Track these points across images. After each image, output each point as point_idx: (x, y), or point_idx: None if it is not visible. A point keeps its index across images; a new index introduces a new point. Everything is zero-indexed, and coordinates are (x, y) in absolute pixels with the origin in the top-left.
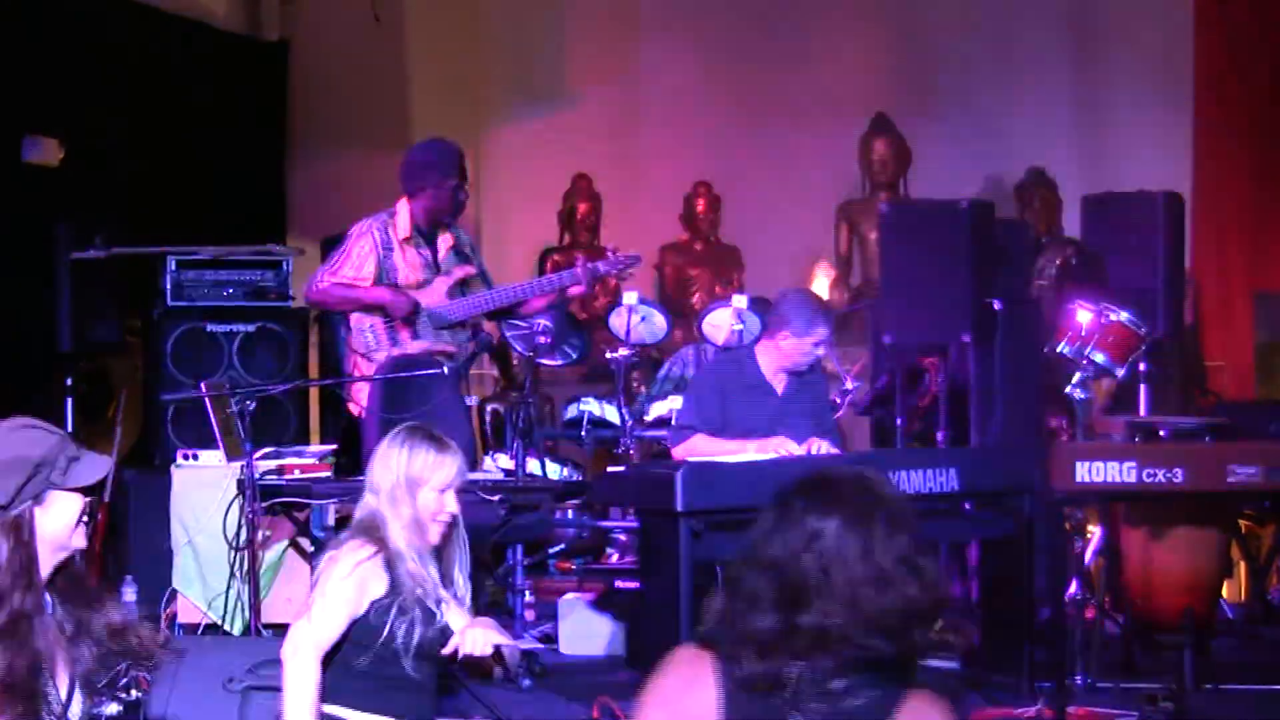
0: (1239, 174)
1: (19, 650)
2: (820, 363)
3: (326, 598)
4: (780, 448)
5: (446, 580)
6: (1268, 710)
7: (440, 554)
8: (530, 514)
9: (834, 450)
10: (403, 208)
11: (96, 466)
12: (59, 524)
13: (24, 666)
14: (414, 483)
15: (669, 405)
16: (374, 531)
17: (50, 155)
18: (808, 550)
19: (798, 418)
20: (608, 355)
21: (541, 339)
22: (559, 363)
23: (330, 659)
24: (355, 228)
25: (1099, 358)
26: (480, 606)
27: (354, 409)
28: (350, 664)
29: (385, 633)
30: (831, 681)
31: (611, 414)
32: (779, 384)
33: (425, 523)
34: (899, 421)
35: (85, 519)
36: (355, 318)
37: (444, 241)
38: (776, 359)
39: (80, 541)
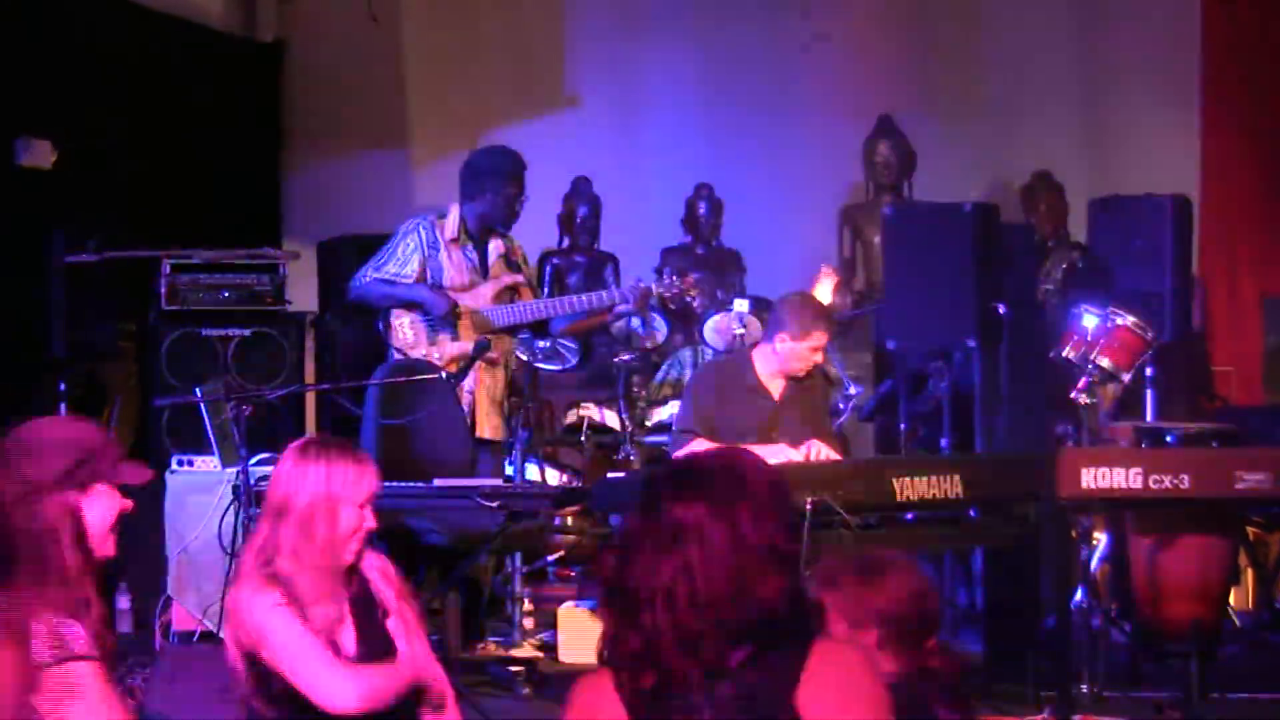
0: (1247, 177)
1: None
2: (821, 368)
3: (296, 650)
4: (780, 454)
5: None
6: (1276, 719)
7: (351, 573)
8: (529, 521)
9: (833, 455)
10: (454, 209)
11: (141, 470)
12: (97, 519)
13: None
14: (335, 500)
15: (669, 410)
16: (270, 565)
17: (43, 158)
18: (674, 548)
19: (795, 423)
20: (608, 360)
21: (540, 346)
22: (558, 368)
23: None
24: (403, 226)
25: (1105, 362)
26: (480, 614)
27: None
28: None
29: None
30: (728, 659)
31: (611, 419)
32: (776, 389)
33: (341, 543)
34: (902, 427)
35: (117, 528)
36: (394, 314)
37: (495, 248)
38: (774, 363)
39: (109, 549)
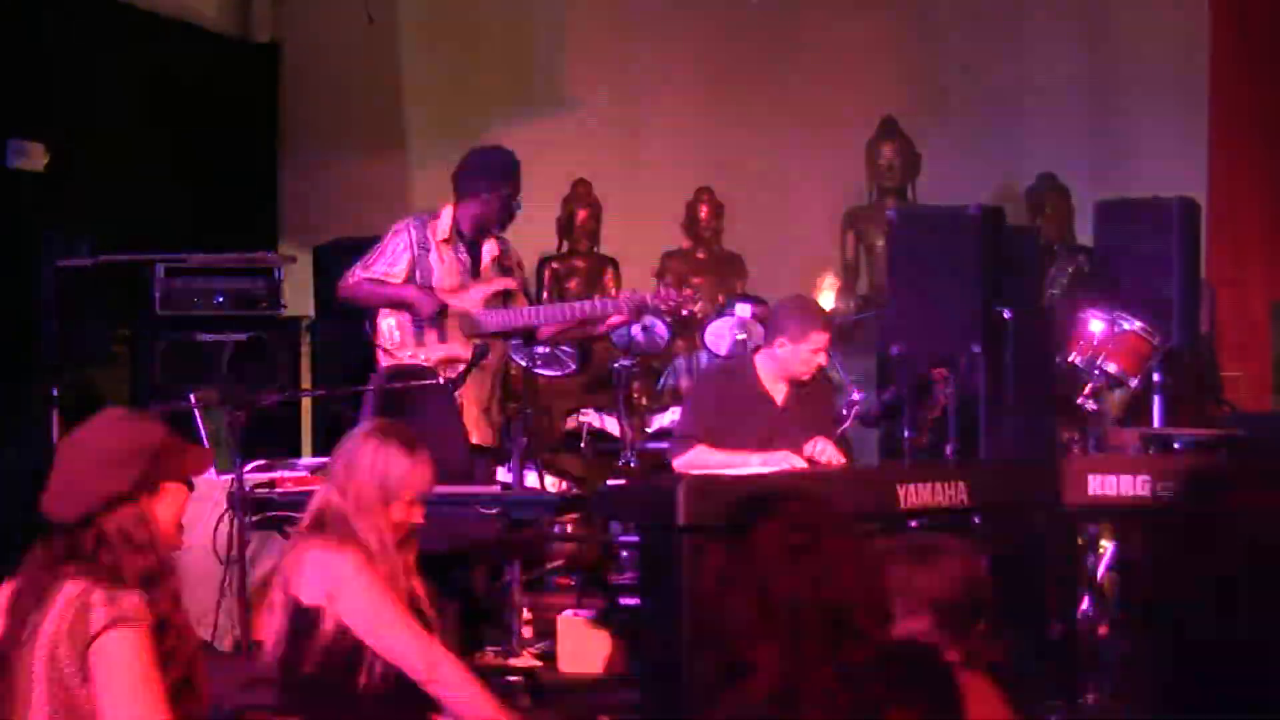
0: (1256, 180)
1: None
2: (825, 373)
3: (383, 607)
4: (784, 461)
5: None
6: None
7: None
8: (528, 528)
9: (837, 456)
10: (447, 210)
11: (204, 457)
12: (169, 515)
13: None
14: (388, 493)
15: (670, 417)
16: (346, 531)
17: (35, 160)
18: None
19: (797, 428)
20: (608, 366)
21: (540, 350)
22: (558, 373)
23: (324, 686)
24: (393, 225)
25: (1112, 368)
26: (477, 623)
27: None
28: (351, 687)
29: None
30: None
31: (612, 425)
32: (779, 394)
33: (390, 534)
34: (907, 434)
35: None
36: (381, 313)
37: (488, 250)
38: (776, 368)
39: (180, 541)
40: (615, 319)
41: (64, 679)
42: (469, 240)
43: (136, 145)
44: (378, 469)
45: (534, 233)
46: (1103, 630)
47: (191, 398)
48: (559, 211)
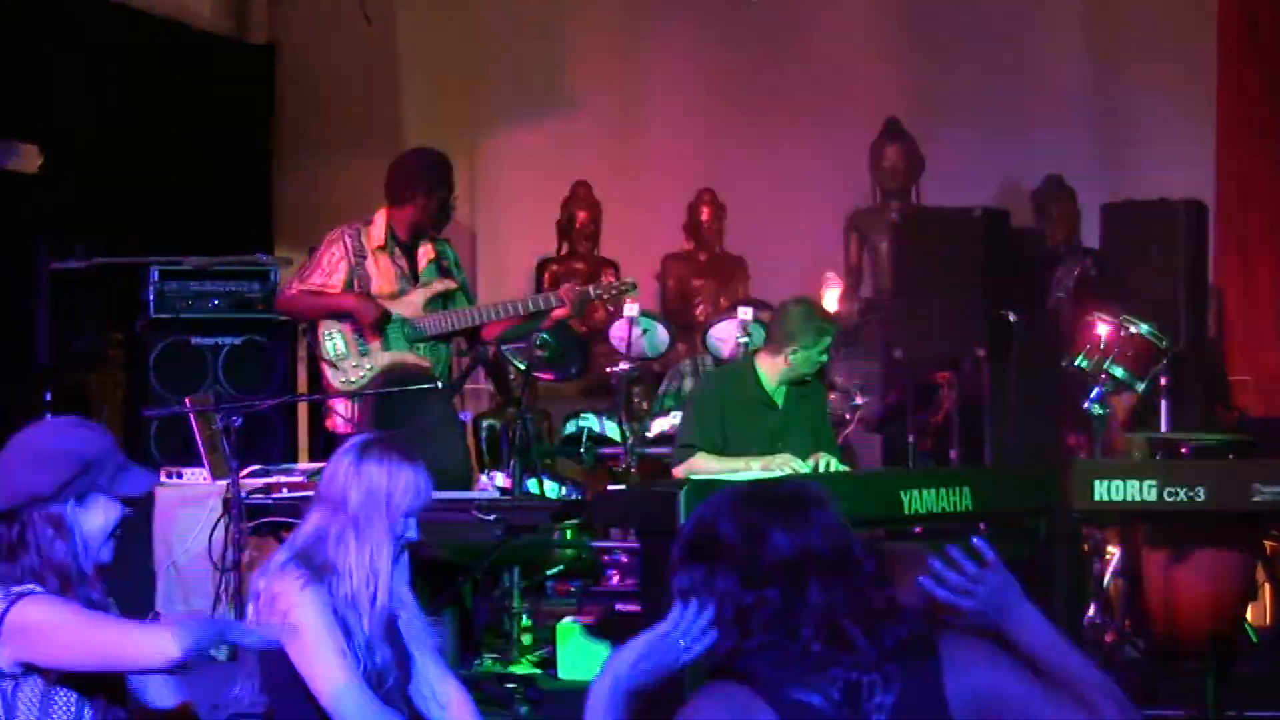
0: (1263, 182)
1: None
2: (824, 372)
3: (316, 648)
4: (786, 465)
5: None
6: None
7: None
8: (527, 535)
9: (841, 466)
10: (380, 216)
11: (143, 479)
12: (94, 528)
13: None
14: (392, 506)
15: (671, 421)
16: (314, 558)
17: (28, 162)
18: (825, 542)
19: (799, 431)
20: (608, 370)
21: (539, 352)
22: (557, 377)
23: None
24: (328, 235)
25: (1118, 372)
26: (477, 630)
27: (330, 423)
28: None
29: None
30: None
31: (612, 430)
32: (780, 397)
33: (385, 545)
34: (910, 439)
35: (118, 534)
36: (322, 325)
37: (424, 253)
38: (781, 371)
39: (107, 555)
40: (558, 312)
41: None
42: (405, 245)
43: (131, 147)
44: (383, 480)
45: (534, 234)
46: (1109, 636)
47: (186, 402)
48: (559, 214)
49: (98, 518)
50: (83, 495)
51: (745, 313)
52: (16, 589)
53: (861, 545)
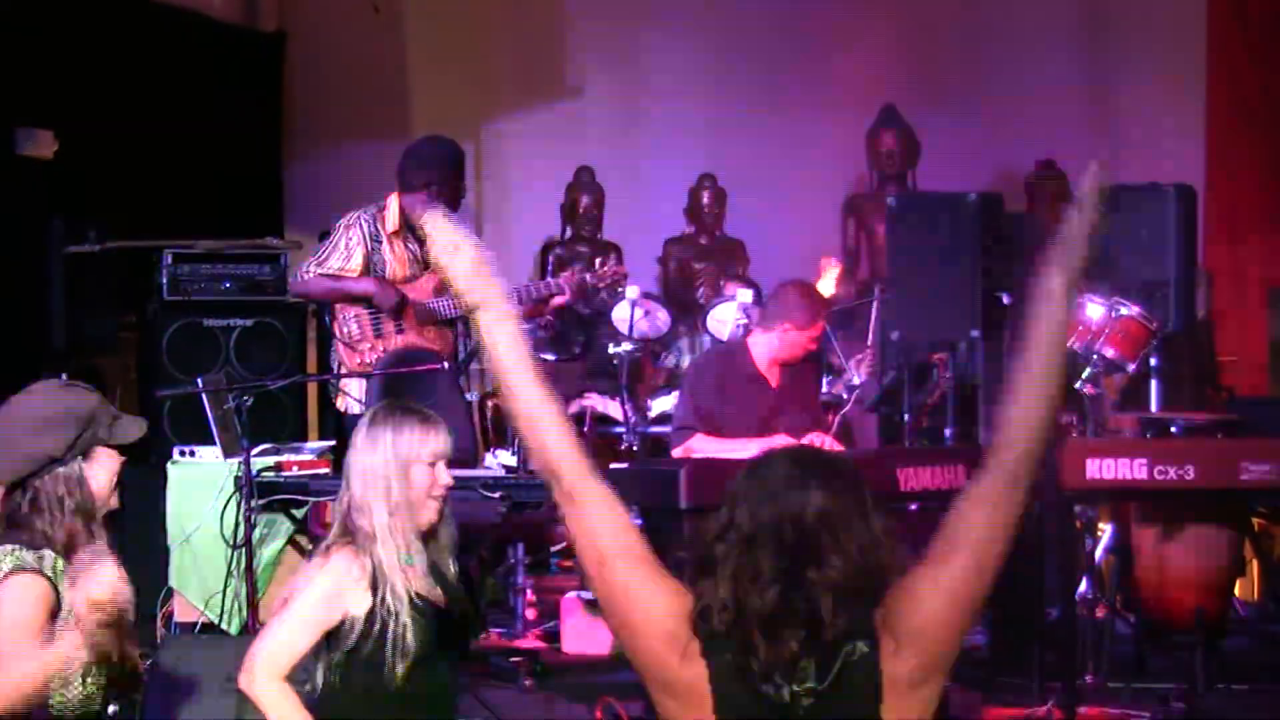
0: (1253, 166)
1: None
2: (815, 352)
3: (289, 616)
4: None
5: (441, 566)
6: None
7: (428, 539)
8: (532, 511)
9: (835, 445)
10: (393, 201)
11: (134, 426)
12: (102, 480)
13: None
14: (406, 461)
15: (671, 400)
16: (350, 532)
17: (44, 147)
18: (806, 513)
19: (792, 408)
20: (610, 350)
21: (542, 333)
22: (560, 358)
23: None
24: (343, 219)
25: (1109, 353)
26: (481, 605)
27: (341, 404)
28: (338, 685)
29: (370, 645)
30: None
31: (614, 410)
32: (773, 376)
33: (419, 503)
34: (906, 418)
35: (124, 481)
36: (340, 307)
37: None
38: (775, 351)
39: (115, 502)
40: (559, 300)
41: None
42: (416, 229)
43: (143, 132)
44: (389, 440)
45: (538, 218)
46: (1100, 611)
47: (199, 382)
48: (563, 198)
49: (104, 469)
50: (86, 451)
51: (745, 295)
52: (17, 557)
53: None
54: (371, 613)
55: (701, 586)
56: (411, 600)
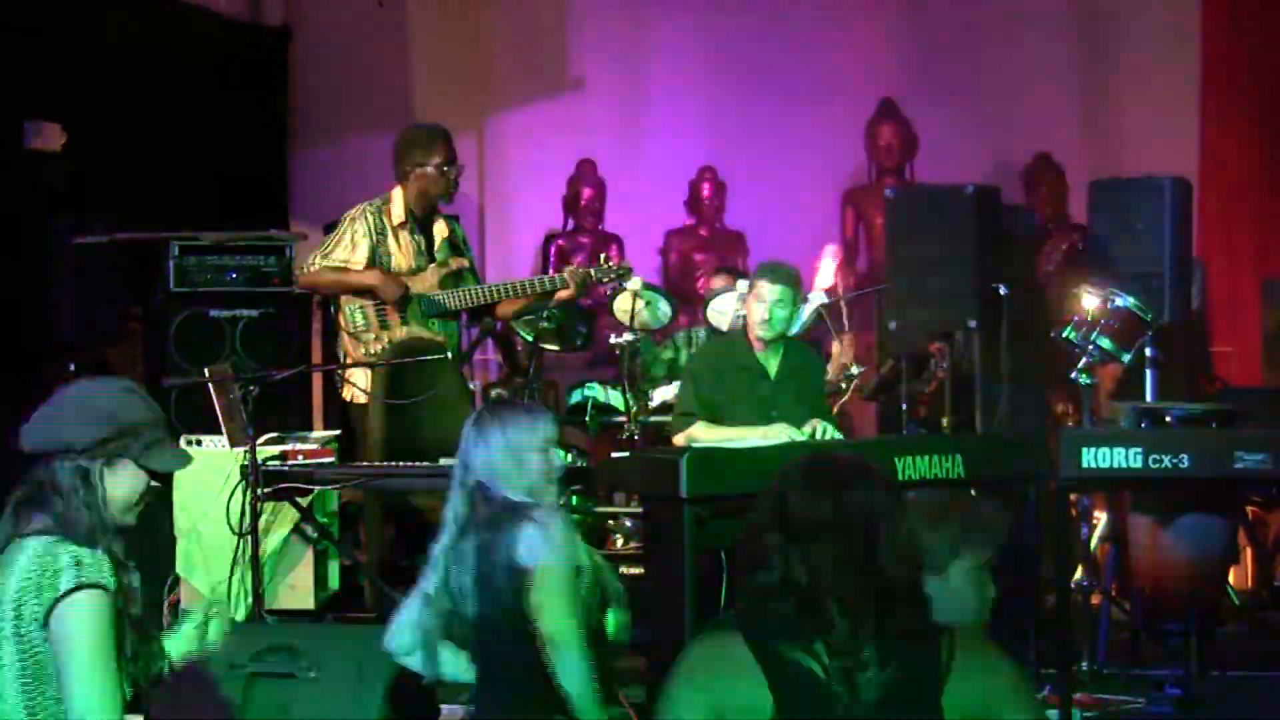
0: (1247, 159)
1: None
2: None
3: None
4: (783, 434)
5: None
6: (1275, 696)
7: None
8: None
9: (836, 433)
10: (396, 194)
11: (176, 459)
12: (118, 494)
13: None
14: (519, 450)
15: (673, 390)
16: (465, 527)
17: (52, 141)
18: (861, 513)
19: (792, 401)
20: (611, 340)
21: (545, 324)
22: (563, 348)
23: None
24: (349, 212)
25: (1105, 343)
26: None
27: (347, 394)
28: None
29: None
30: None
31: (616, 399)
32: (773, 367)
33: (539, 489)
34: (904, 407)
35: (144, 504)
36: (345, 299)
37: (438, 231)
38: (754, 330)
39: (131, 519)
40: (563, 293)
41: (30, 636)
42: (421, 222)
43: (150, 126)
44: (503, 435)
45: (540, 210)
46: (1096, 599)
47: (205, 372)
48: (565, 190)
49: (123, 484)
50: (113, 459)
51: (744, 286)
52: (83, 569)
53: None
54: None
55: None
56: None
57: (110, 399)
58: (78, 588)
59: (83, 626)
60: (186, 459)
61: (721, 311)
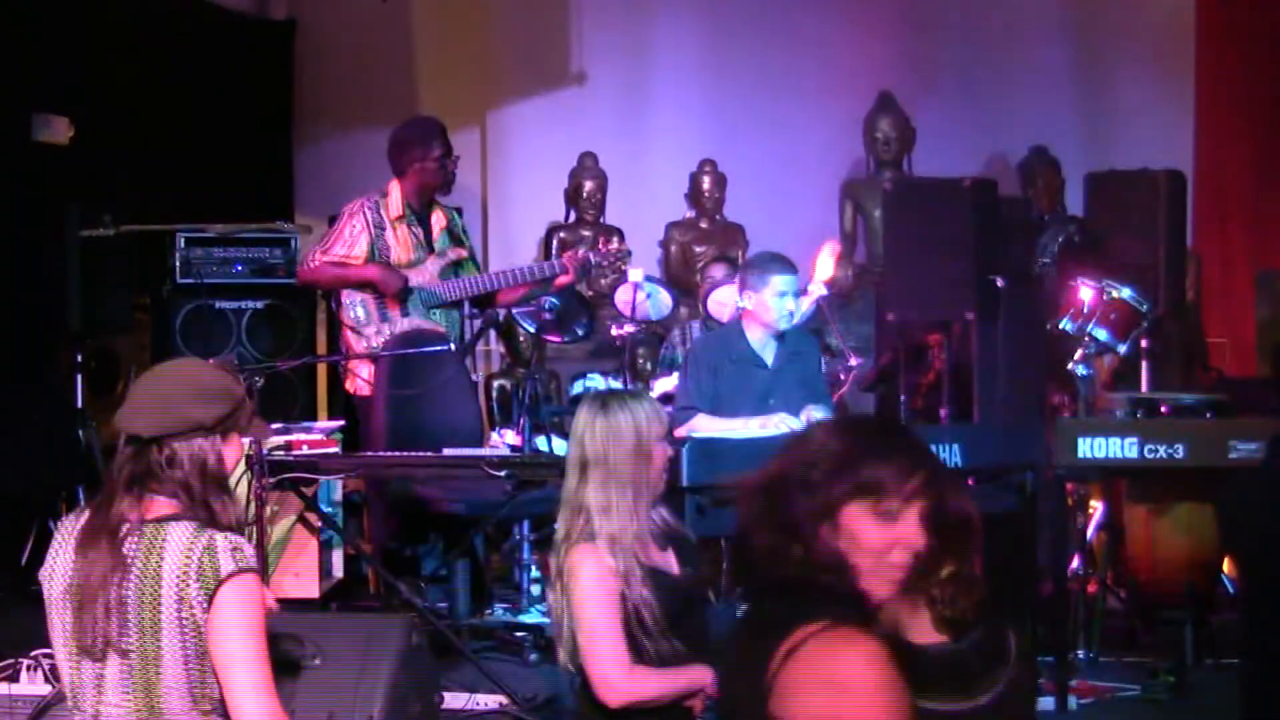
0: (1241, 151)
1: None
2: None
3: (596, 626)
4: (782, 424)
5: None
6: None
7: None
8: (537, 490)
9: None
10: (394, 187)
11: (267, 429)
12: (230, 462)
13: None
14: (647, 442)
15: (672, 382)
16: (588, 520)
17: (60, 133)
18: None
19: (789, 388)
20: (613, 332)
21: (547, 315)
22: (565, 339)
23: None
24: (347, 207)
25: (1101, 334)
26: (489, 581)
27: (350, 385)
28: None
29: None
30: None
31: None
32: (770, 356)
33: (657, 480)
34: (902, 398)
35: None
36: (345, 293)
37: (437, 222)
38: (756, 325)
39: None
40: (563, 279)
41: (195, 620)
42: (419, 214)
43: (157, 119)
44: (631, 425)
45: (542, 203)
46: (1092, 587)
47: (210, 363)
48: (566, 183)
49: (233, 453)
50: (226, 432)
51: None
52: (241, 553)
53: None
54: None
55: None
56: (653, 573)
57: (217, 376)
58: (239, 572)
59: (245, 611)
60: (271, 431)
61: (723, 302)
